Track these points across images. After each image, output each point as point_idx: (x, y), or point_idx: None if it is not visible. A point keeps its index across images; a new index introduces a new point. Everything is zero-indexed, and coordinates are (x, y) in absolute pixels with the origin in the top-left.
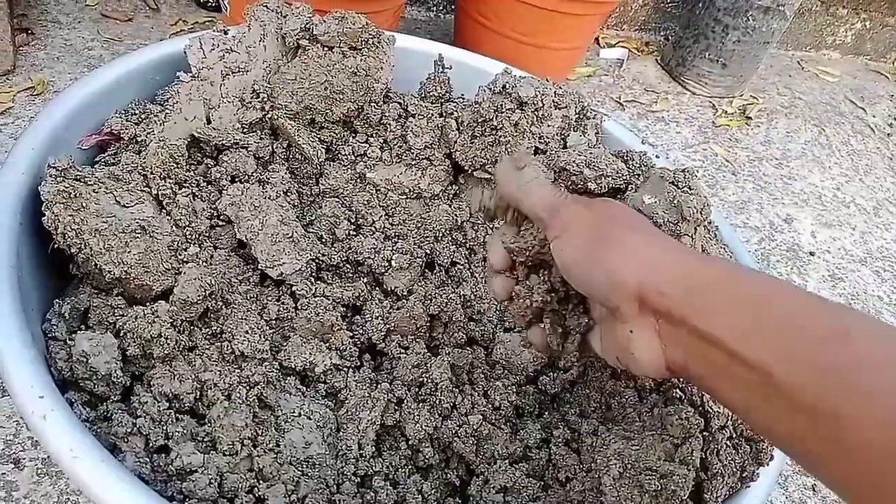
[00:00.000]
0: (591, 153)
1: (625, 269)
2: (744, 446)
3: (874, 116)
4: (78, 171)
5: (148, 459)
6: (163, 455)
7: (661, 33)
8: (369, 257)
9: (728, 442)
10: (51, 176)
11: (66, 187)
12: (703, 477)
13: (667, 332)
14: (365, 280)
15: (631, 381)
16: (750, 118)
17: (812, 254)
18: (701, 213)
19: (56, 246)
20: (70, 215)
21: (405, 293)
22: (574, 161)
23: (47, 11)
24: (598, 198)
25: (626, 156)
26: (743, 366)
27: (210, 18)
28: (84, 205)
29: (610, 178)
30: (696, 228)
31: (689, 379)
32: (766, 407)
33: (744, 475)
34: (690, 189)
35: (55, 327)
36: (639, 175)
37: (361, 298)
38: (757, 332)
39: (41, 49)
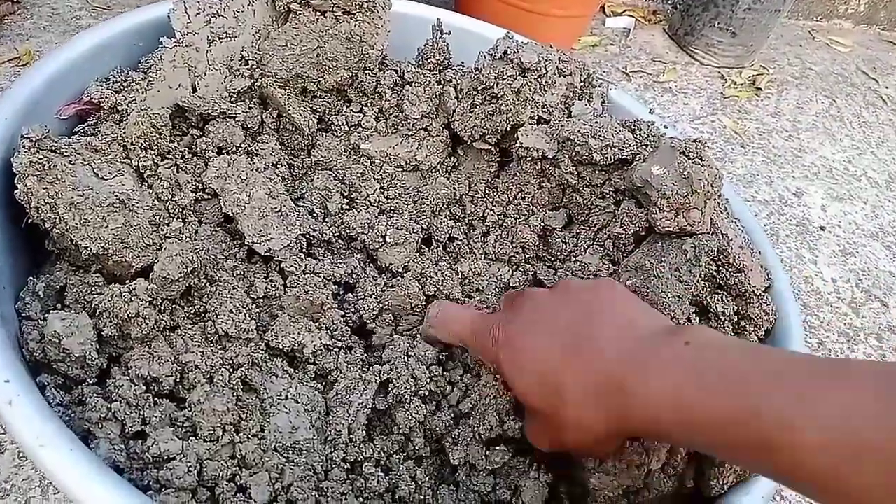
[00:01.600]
0: (596, 122)
1: (585, 435)
2: None
3: (887, 88)
4: (53, 141)
5: (123, 446)
6: (139, 441)
7: (669, 1)
8: (363, 232)
9: None
10: (24, 147)
11: (40, 158)
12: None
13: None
14: (358, 256)
15: None
16: (760, 89)
17: (822, 228)
18: (712, 186)
19: (30, 220)
20: (44, 188)
21: (400, 270)
22: (579, 131)
23: None
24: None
25: (634, 125)
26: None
27: None
28: (59, 177)
29: (616, 149)
30: (706, 202)
31: None
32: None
33: None
34: (702, 160)
35: (29, 306)
36: (647, 145)
37: (354, 275)
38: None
39: (27, 18)
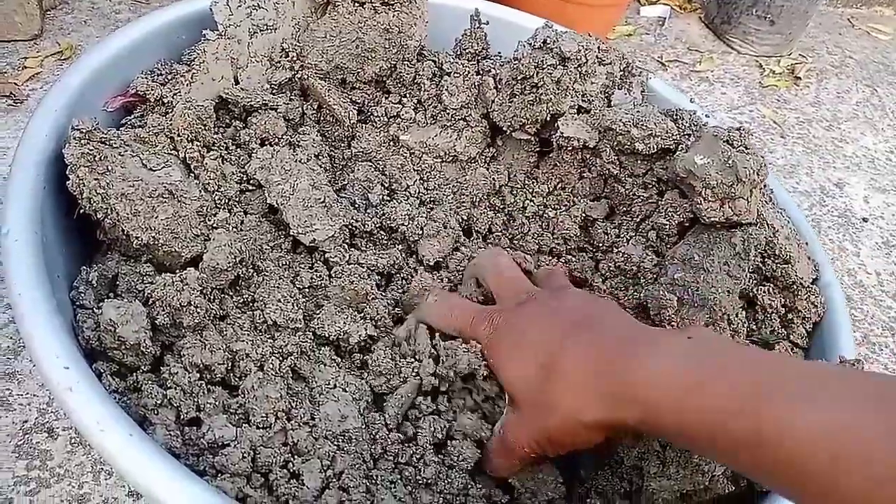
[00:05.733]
0: (638, 112)
1: (586, 439)
2: None
3: None
4: (103, 133)
5: (179, 432)
6: (194, 428)
7: None
8: (403, 224)
9: None
10: (75, 138)
11: (91, 150)
12: None
13: None
14: (399, 247)
15: None
16: (799, 78)
17: (865, 220)
18: (758, 175)
19: (82, 211)
20: (95, 179)
21: (440, 261)
22: (620, 120)
23: None
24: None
25: (676, 115)
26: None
27: None
28: (110, 168)
29: (659, 138)
30: (751, 191)
31: None
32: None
33: None
34: (746, 149)
35: (83, 295)
36: (689, 135)
37: (396, 266)
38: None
39: (68, 13)
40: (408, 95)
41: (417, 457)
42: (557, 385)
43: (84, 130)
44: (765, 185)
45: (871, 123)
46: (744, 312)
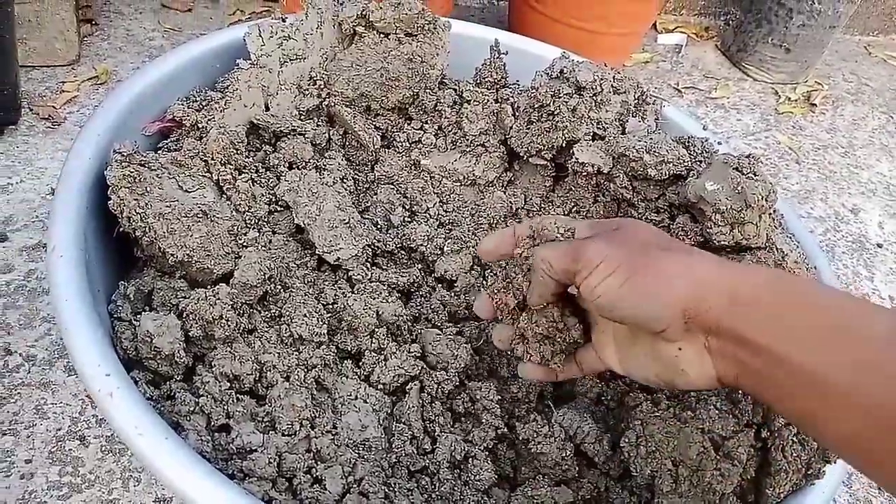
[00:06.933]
0: (651, 139)
1: (668, 291)
2: (811, 443)
3: None
4: (142, 156)
5: (209, 438)
6: (224, 434)
7: (722, 18)
8: (422, 244)
9: (794, 438)
10: (116, 161)
11: (131, 172)
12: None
13: (715, 345)
14: (419, 266)
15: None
16: (814, 105)
17: (879, 245)
18: (766, 201)
19: (121, 229)
20: (135, 199)
21: (456, 280)
22: (634, 147)
23: (110, 2)
24: (618, 222)
25: (688, 141)
26: (794, 372)
27: (267, 8)
28: (148, 189)
29: (671, 164)
30: (760, 216)
31: (742, 390)
32: (821, 410)
33: (809, 472)
34: (755, 175)
35: (120, 308)
36: (700, 161)
37: (415, 285)
38: (807, 338)
39: (104, 39)
40: (429, 122)
41: (433, 470)
42: (670, 254)
43: (125, 153)
44: (774, 211)
45: (886, 150)
46: None
